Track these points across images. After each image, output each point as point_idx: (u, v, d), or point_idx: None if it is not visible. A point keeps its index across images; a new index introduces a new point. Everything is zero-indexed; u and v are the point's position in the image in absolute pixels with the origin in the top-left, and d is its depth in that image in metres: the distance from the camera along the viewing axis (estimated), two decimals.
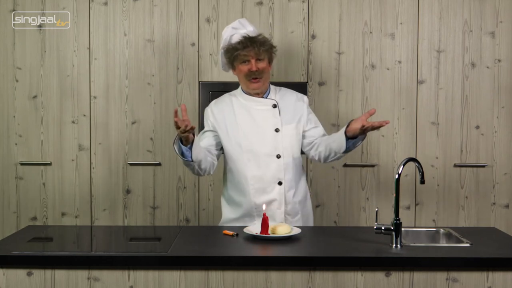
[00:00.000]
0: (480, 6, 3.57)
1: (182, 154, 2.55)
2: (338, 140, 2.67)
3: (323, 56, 3.58)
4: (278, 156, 2.72)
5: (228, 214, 2.81)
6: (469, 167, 3.61)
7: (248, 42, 2.68)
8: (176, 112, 2.40)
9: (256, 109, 2.76)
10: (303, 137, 2.81)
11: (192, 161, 2.55)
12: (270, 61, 2.78)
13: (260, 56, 2.69)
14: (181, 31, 3.57)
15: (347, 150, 2.68)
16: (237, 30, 2.76)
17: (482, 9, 3.57)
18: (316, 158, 2.82)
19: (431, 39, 3.58)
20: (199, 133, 3.55)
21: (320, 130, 2.85)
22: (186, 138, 2.46)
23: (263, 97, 2.78)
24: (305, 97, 2.88)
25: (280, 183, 2.72)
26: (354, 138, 2.65)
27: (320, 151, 2.77)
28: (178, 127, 2.41)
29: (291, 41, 3.56)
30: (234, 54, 2.69)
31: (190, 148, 2.51)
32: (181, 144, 2.52)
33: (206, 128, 2.82)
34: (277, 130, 2.74)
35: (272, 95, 2.81)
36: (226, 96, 2.86)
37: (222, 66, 2.85)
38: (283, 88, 2.88)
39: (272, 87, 2.84)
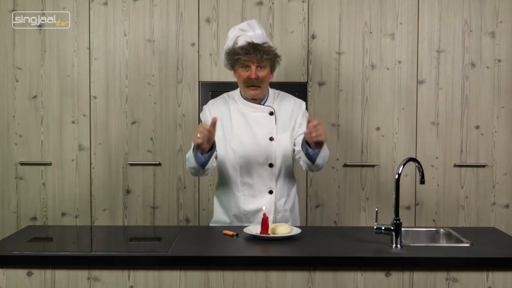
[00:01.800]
0: (480, 6, 3.57)
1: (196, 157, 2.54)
2: (302, 153, 2.61)
3: (323, 56, 3.58)
4: (271, 165, 2.69)
5: (219, 215, 2.80)
6: (469, 167, 3.61)
7: (251, 49, 2.60)
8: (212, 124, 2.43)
9: (252, 116, 2.70)
10: (294, 144, 2.74)
11: (202, 167, 2.55)
12: (272, 70, 2.70)
13: (261, 63, 2.61)
14: (181, 31, 3.57)
15: (315, 161, 2.58)
16: (245, 32, 2.68)
17: (482, 9, 3.57)
18: (304, 169, 2.77)
19: (431, 39, 3.58)
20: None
21: None
22: (203, 148, 2.47)
23: (260, 103, 2.73)
24: (303, 104, 2.79)
25: (271, 192, 2.70)
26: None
27: (302, 164, 2.68)
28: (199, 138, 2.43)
29: (291, 41, 3.56)
30: (235, 57, 2.62)
31: (206, 158, 2.52)
32: (197, 152, 2.52)
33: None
34: (271, 139, 2.69)
35: (270, 101, 2.74)
36: (224, 98, 2.80)
37: (224, 64, 2.78)
38: (282, 93, 2.81)
39: (271, 91, 2.78)
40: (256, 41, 2.64)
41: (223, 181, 2.76)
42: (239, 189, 2.69)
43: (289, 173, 2.76)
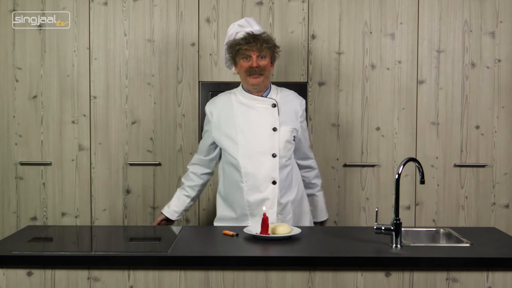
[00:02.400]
0: (480, 6, 3.57)
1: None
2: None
3: (323, 56, 3.58)
4: (274, 155, 2.72)
5: (223, 212, 2.84)
6: (469, 167, 3.61)
7: (251, 38, 2.70)
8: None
9: (255, 108, 2.77)
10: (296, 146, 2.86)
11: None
12: (272, 61, 2.79)
13: (262, 52, 2.70)
14: (181, 31, 3.57)
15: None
16: (243, 28, 2.78)
17: (482, 9, 3.57)
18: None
19: (431, 39, 3.58)
20: (199, 133, 3.56)
21: (306, 147, 2.92)
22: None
23: (262, 96, 2.79)
24: (303, 102, 2.88)
25: (274, 182, 2.72)
26: None
27: (305, 190, 2.97)
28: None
29: (291, 41, 3.56)
30: (236, 48, 2.71)
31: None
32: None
33: (205, 129, 2.87)
34: (274, 129, 2.74)
35: (273, 94, 2.81)
36: (225, 93, 2.88)
37: (225, 62, 2.87)
38: (284, 89, 2.89)
39: (273, 86, 2.85)
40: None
41: (227, 174, 2.80)
42: (243, 180, 2.72)
43: (292, 164, 2.81)
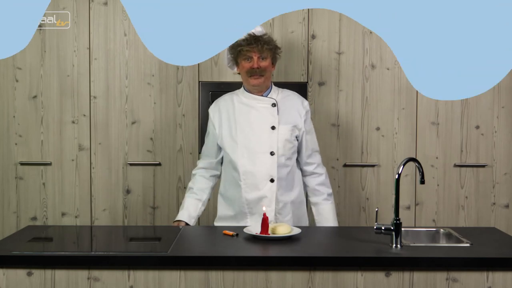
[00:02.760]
0: None
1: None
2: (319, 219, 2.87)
3: (323, 56, 3.58)
4: (272, 153, 2.74)
5: (223, 211, 2.85)
6: (469, 167, 3.61)
7: (253, 39, 2.72)
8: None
9: (255, 107, 2.79)
10: (298, 149, 2.84)
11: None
12: (273, 62, 2.82)
13: (263, 53, 2.73)
14: None
15: None
16: None
17: None
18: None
19: None
20: (200, 133, 3.56)
21: (307, 150, 2.84)
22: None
23: (263, 96, 2.81)
24: (305, 102, 2.87)
25: (272, 180, 2.73)
26: None
27: (310, 198, 2.90)
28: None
29: (291, 41, 3.56)
30: (238, 49, 2.74)
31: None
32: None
33: (208, 130, 2.89)
34: (273, 128, 2.76)
35: (274, 94, 2.83)
36: (228, 94, 2.91)
37: (227, 63, 2.89)
38: (285, 90, 2.90)
39: (274, 87, 2.87)
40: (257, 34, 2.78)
41: (226, 172, 2.83)
42: (241, 178, 2.73)
43: (292, 164, 2.81)
